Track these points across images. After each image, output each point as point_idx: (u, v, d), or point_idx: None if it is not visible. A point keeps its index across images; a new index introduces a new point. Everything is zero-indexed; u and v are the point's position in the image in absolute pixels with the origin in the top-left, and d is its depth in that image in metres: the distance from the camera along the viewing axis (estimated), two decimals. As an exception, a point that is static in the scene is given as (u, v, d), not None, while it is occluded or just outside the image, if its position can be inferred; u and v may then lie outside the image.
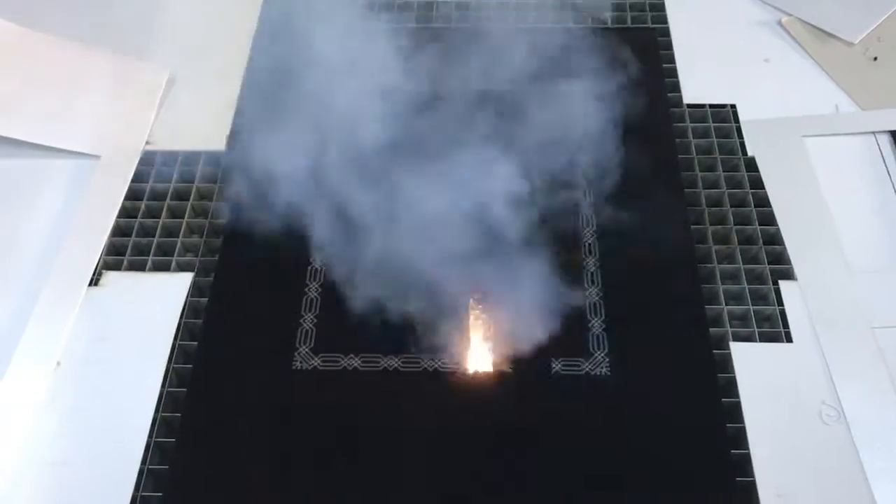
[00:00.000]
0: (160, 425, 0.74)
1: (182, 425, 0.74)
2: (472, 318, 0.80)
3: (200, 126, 0.97)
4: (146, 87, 0.99)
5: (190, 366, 0.77)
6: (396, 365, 0.76)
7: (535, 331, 0.78)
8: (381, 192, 0.86)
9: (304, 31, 0.99)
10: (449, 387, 0.75)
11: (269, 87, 0.98)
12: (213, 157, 0.93)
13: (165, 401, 0.75)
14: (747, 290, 0.82)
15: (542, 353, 0.77)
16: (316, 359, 0.77)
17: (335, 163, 0.88)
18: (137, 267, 0.85)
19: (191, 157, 0.94)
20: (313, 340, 0.78)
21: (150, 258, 0.85)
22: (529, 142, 0.91)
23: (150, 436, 0.73)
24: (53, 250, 0.85)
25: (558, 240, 0.84)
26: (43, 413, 0.75)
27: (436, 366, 0.76)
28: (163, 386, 0.76)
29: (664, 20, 1.07)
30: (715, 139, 0.94)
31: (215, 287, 0.82)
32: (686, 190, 0.89)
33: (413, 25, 1.07)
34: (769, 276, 0.82)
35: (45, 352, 0.78)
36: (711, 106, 0.97)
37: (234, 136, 0.94)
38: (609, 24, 1.06)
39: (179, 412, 0.75)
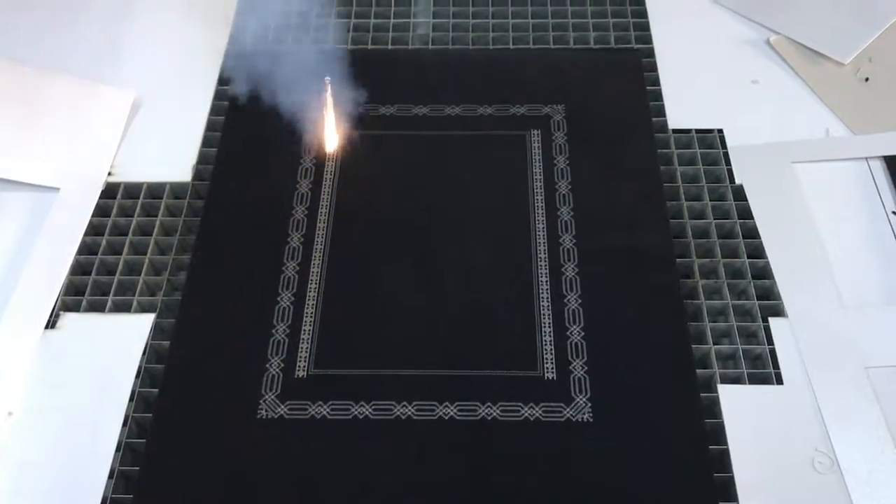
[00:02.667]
0: (118, 478, 0.70)
1: (141, 478, 0.69)
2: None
3: (166, 154, 0.93)
4: (109, 113, 0.95)
5: (150, 415, 0.73)
6: (367, 413, 0.72)
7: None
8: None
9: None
10: (424, 436, 0.71)
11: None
12: (179, 188, 0.90)
13: (124, 452, 0.71)
14: (735, 328, 0.78)
15: (522, 399, 0.73)
16: (282, 407, 0.73)
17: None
18: (97, 307, 0.80)
19: (156, 189, 0.90)
20: (280, 387, 0.74)
21: (111, 298, 0.81)
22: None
23: (107, 489, 0.69)
24: (7, 290, 0.80)
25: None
26: (-7, 467, 0.71)
27: (409, 413, 0.72)
28: (121, 436, 0.72)
29: (648, 40, 1.03)
30: (702, 166, 0.90)
31: (178, 329, 0.78)
32: (671, 221, 0.85)
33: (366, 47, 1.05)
34: (758, 313, 0.79)
35: (-3, 401, 0.74)
36: (698, 131, 0.93)
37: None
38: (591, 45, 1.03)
39: (139, 465, 0.70)
